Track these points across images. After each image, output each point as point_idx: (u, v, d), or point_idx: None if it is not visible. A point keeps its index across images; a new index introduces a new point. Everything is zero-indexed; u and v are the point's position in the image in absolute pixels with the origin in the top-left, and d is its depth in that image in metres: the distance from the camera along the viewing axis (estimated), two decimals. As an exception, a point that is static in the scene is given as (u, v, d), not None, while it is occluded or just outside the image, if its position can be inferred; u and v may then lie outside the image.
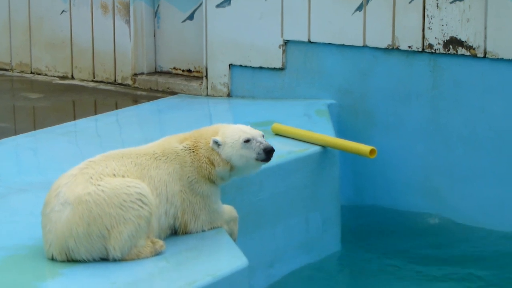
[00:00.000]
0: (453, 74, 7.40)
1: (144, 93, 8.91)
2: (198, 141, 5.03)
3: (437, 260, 6.84)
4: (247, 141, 4.96)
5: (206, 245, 4.90)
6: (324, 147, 6.76)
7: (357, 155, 6.72)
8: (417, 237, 7.28)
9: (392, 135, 7.67)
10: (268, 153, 4.96)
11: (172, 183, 4.91)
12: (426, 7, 7.45)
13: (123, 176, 4.71)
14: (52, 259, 4.62)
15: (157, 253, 4.72)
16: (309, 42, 8.02)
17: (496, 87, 7.24)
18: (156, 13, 9.22)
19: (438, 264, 6.78)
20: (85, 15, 9.37)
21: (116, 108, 8.31)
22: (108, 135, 7.42)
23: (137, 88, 9.07)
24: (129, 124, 7.85)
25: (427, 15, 7.45)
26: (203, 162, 4.99)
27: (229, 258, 4.79)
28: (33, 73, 9.80)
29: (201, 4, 8.77)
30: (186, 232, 4.99)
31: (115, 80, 9.27)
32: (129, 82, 9.15)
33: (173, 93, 8.80)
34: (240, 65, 8.37)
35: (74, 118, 7.99)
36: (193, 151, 5.00)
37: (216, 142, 4.99)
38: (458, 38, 7.35)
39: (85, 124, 7.66)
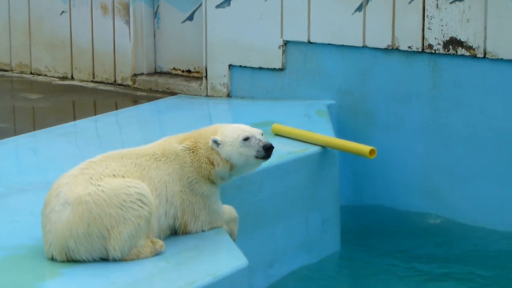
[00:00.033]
0: (453, 75, 7.40)
1: (144, 93, 8.91)
2: (197, 141, 5.03)
3: (437, 260, 6.84)
4: (246, 139, 4.96)
5: (206, 245, 4.90)
6: (324, 147, 6.76)
7: (357, 155, 6.72)
8: (417, 237, 7.28)
9: (392, 136, 7.67)
10: (267, 150, 4.96)
11: (172, 184, 4.91)
12: (426, 7, 7.45)
13: (123, 177, 4.71)
14: (52, 259, 4.62)
15: (157, 253, 4.72)
16: (309, 42, 8.02)
17: (496, 87, 7.24)
18: (155, 14, 9.23)
19: (438, 264, 6.78)
20: (85, 16, 9.37)
21: (116, 109, 8.31)
22: (108, 135, 7.42)
23: (137, 89, 9.07)
24: (129, 124, 7.85)
25: (427, 16, 7.45)
26: (202, 162, 4.99)
27: (229, 258, 4.79)
28: (33, 74, 9.80)
29: (200, 5, 8.77)
30: (186, 232, 4.99)
31: (115, 81, 9.27)
32: (129, 82, 9.15)
33: (172, 93, 8.80)
34: (240, 66, 8.37)
35: (74, 119, 7.99)
36: (193, 151, 5.01)
37: (215, 141, 4.99)
38: (458, 39, 7.35)
39: (85, 125, 7.66)
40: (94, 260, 4.60)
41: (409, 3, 7.51)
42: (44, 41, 9.67)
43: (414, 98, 7.57)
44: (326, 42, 7.93)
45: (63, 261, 4.59)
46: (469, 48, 7.30)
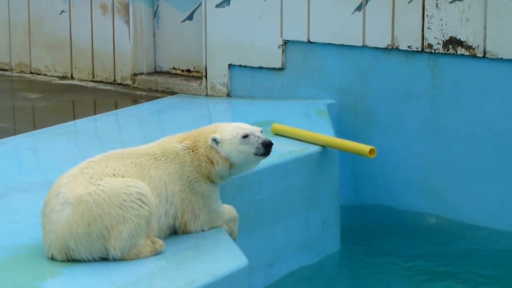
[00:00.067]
0: (452, 74, 7.40)
1: (143, 93, 8.91)
2: (197, 140, 5.03)
3: (437, 260, 6.84)
4: (245, 136, 4.96)
5: (206, 245, 4.89)
6: (324, 147, 6.75)
7: (356, 155, 6.72)
8: (417, 236, 7.28)
9: (392, 135, 7.67)
10: (266, 147, 4.96)
11: (172, 183, 4.91)
12: (426, 7, 7.45)
13: (123, 176, 4.71)
14: (52, 258, 4.62)
15: (157, 253, 4.72)
16: (309, 42, 8.02)
17: (496, 87, 7.24)
18: (155, 13, 9.22)
19: (438, 263, 6.78)
20: (84, 15, 9.37)
21: (116, 108, 8.31)
22: (108, 135, 7.42)
23: (136, 88, 9.07)
24: (128, 124, 7.85)
25: (427, 15, 7.45)
26: (202, 161, 4.99)
27: (229, 258, 4.79)
28: (33, 73, 9.79)
29: (200, 4, 8.77)
30: (186, 232, 4.99)
31: (114, 80, 9.27)
32: (129, 82, 9.15)
33: (172, 93, 8.80)
34: (240, 65, 8.37)
35: (74, 118, 7.99)
36: (193, 151, 5.01)
37: (214, 140, 4.99)
38: (458, 38, 7.35)
39: (85, 124, 7.66)
40: (94, 260, 4.60)
41: (409, 2, 7.51)
42: (44, 41, 9.67)
43: (414, 98, 7.57)
44: (326, 41, 7.93)
45: (63, 261, 4.59)
46: (468, 47, 7.30)
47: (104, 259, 4.62)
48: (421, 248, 7.07)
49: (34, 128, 7.63)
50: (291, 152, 6.60)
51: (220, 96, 8.49)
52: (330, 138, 6.79)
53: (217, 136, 4.99)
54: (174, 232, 4.98)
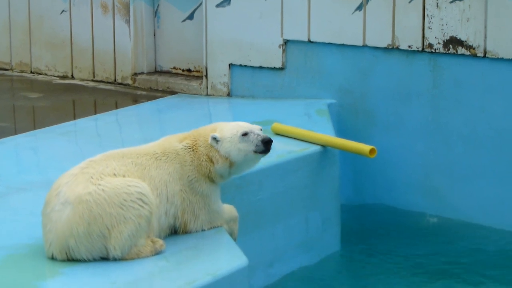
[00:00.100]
0: (453, 74, 7.40)
1: (144, 92, 8.91)
2: (197, 140, 5.03)
3: (437, 259, 6.84)
4: (245, 134, 4.97)
5: (206, 245, 4.90)
6: (324, 146, 6.75)
7: (357, 154, 6.72)
8: (417, 236, 7.28)
9: (392, 135, 7.67)
10: (266, 144, 4.96)
11: (173, 183, 4.91)
12: (426, 6, 7.45)
13: (124, 176, 4.71)
14: (52, 258, 4.62)
15: (157, 253, 4.72)
16: (309, 41, 8.02)
17: (496, 86, 7.24)
18: (156, 13, 9.22)
19: (438, 262, 6.78)
20: (85, 15, 9.37)
21: (116, 108, 8.31)
22: (108, 134, 7.42)
23: (137, 88, 9.07)
24: (129, 123, 7.85)
25: (427, 15, 7.45)
26: (202, 160, 4.99)
27: (229, 258, 4.79)
28: (33, 73, 9.80)
29: (201, 4, 8.77)
30: (186, 232, 4.99)
31: (115, 80, 9.27)
32: (129, 81, 9.15)
33: (173, 92, 8.79)
34: (240, 65, 8.37)
35: (74, 118, 7.99)
36: (193, 150, 5.01)
37: (214, 138, 4.99)
38: (458, 38, 7.35)
39: (85, 124, 7.66)
40: (95, 259, 4.61)
41: (409, 2, 7.51)
42: (44, 40, 9.67)
43: (414, 97, 7.57)
44: (326, 41, 7.93)
45: (63, 260, 4.59)
46: (469, 47, 7.30)
47: (104, 258, 4.62)
48: (421, 248, 7.06)
49: (35, 128, 7.63)
50: (292, 151, 6.60)
51: (221, 95, 8.49)
52: (330, 137, 6.79)
53: (217, 134, 5.00)
54: (174, 231, 4.99)
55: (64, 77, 9.58)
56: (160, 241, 4.76)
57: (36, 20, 9.70)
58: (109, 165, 4.72)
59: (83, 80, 9.45)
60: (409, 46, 7.54)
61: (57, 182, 4.69)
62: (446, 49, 7.40)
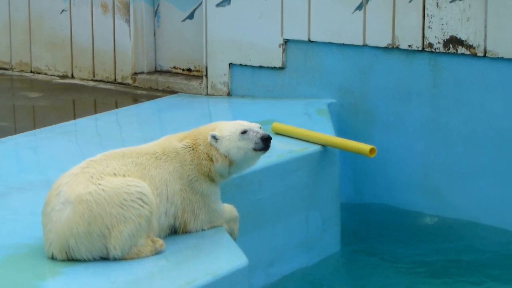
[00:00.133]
0: (453, 73, 7.40)
1: (144, 92, 8.91)
2: (197, 139, 5.04)
3: (437, 258, 6.84)
4: (244, 132, 4.97)
5: (206, 244, 4.90)
6: (324, 146, 6.75)
7: (357, 154, 6.72)
8: (417, 235, 7.28)
9: (392, 134, 7.66)
10: (265, 141, 4.96)
11: (173, 182, 4.91)
12: (426, 6, 7.45)
13: (124, 176, 4.71)
14: (52, 258, 4.62)
15: (157, 252, 4.73)
16: (309, 41, 8.02)
17: (496, 86, 7.24)
18: (156, 12, 9.22)
19: (438, 262, 6.78)
20: (85, 14, 9.37)
21: (116, 107, 8.31)
22: (108, 134, 7.42)
23: (137, 87, 9.07)
24: (129, 123, 7.85)
25: (427, 14, 7.45)
26: (202, 159, 4.99)
27: (229, 257, 4.79)
28: (33, 72, 9.79)
29: (201, 3, 8.77)
30: (186, 231, 4.99)
31: (115, 79, 9.27)
32: (129, 81, 9.15)
33: (173, 92, 8.79)
34: (240, 64, 8.37)
35: (74, 117, 7.99)
36: (193, 149, 5.01)
37: (213, 137, 4.99)
38: (458, 37, 7.35)
39: (85, 123, 7.66)
40: (95, 259, 4.61)
41: (409, 2, 7.51)
42: (44, 40, 9.67)
43: (414, 97, 7.57)
44: (327, 40, 7.93)
45: (63, 260, 4.60)
46: (469, 46, 7.30)
47: (105, 258, 4.62)
48: (422, 247, 7.06)
49: (35, 127, 7.63)
50: (292, 151, 6.60)
51: (221, 95, 8.49)
52: (330, 137, 6.79)
53: (216, 133, 5.00)
54: (174, 231, 4.99)
55: (64, 76, 9.58)
56: (160, 241, 4.76)
57: (36, 20, 9.70)
58: (110, 165, 4.72)
59: (83, 79, 9.45)
60: (409, 46, 7.54)
61: (57, 182, 4.69)
62: (446, 49, 7.40)
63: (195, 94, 8.65)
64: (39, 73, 9.73)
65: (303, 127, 7.00)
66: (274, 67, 8.20)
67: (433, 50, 7.44)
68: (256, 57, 8.26)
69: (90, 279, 4.46)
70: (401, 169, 7.63)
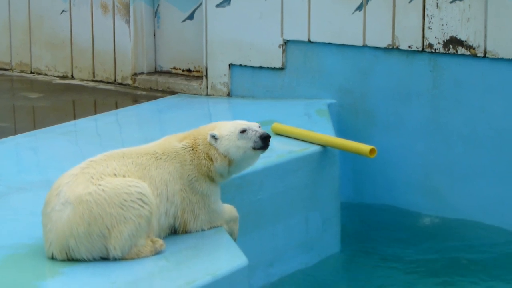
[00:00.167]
0: (453, 74, 7.41)
1: (144, 92, 8.91)
2: (196, 139, 5.04)
3: (437, 258, 6.85)
4: (243, 131, 4.97)
5: (206, 244, 4.90)
6: (324, 146, 6.76)
7: (357, 154, 6.72)
8: (417, 235, 7.28)
9: (392, 135, 7.67)
10: (264, 139, 4.96)
11: (173, 182, 4.91)
12: (426, 6, 7.45)
13: (124, 176, 4.71)
14: (52, 258, 4.62)
15: (157, 252, 4.73)
16: (309, 41, 8.02)
17: (496, 86, 7.24)
18: (156, 13, 9.23)
19: (438, 262, 6.78)
20: (85, 15, 9.37)
21: (116, 108, 8.31)
22: (108, 134, 7.42)
23: (137, 88, 9.07)
24: (129, 123, 7.85)
25: (427, 15, 7.45)
26: (202, 159, 4.99)
27: (229, 257, 4.79)
28: (33, 73, 9.80)
29: (201, 4, 8.77)
30: (185, 232, 4.99)
31: (115, 80, 9.27)
32: (129, 81, 9.15)
33: (173, 92, 8.80)
34: (240, 65, 8.37)
35: (74, 118, 7.99)
36: (193, 149, 5.01)
37: (213, 136, 5.00)
38: (458, 38, 7.35)
39: (85, 124, 7.66)
40: (95, 259, 4.61)
41: (409, 2, 7.51)
42: (44, 40, 9.67)
43: (414, 97, 7.57)
44: (326, 41, 7.93)
45: (63, 260, 4.60)
46: (469, 47, 7.30)
47: (105, 258, 4.62)
48: (421, 247, 7.07)
49: (35, 128, 7.63)
50: (292, 151, 6.60)
51: (221, 95, 8.49)
52: (330, 137, 6.79)
53: (216, 132, 5.00)
54: (174, 231, 4.99)
55: (64, 77, 9.58)
56: (160, 241, 4.76)
57: (36, 20, 9.70)
58: (110, 165, 4.72)
59: (83, 80, 9.45)
60: (409, 46, 7.54)
61: (57, 182, 4.69)
62: (446, 49, 7.40)
63: (195, 94, 8.65)
64: (39, 74, 9.74)
65: (303, 127, 7.00)
66: (274, 68, 8.20)
67: (433, 51, 7.44)
68: (256, 57, 8.26)
69: (90, 279, 4.46)
70: (401, 169, 7.63)
